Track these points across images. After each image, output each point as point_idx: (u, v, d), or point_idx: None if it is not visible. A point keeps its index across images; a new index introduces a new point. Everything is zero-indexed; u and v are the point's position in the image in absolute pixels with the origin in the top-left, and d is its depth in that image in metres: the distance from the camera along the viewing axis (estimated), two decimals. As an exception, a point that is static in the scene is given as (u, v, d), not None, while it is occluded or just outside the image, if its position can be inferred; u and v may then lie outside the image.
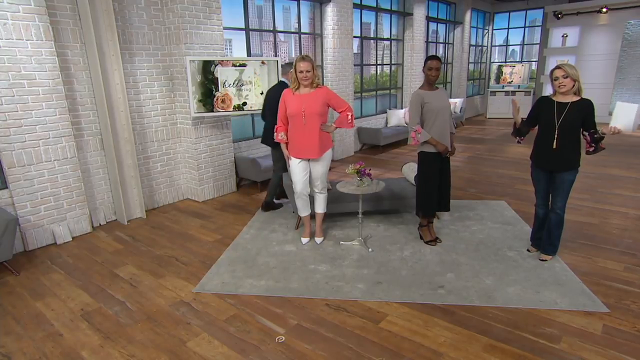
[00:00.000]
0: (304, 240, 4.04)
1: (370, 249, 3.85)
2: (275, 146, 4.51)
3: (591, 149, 3.23)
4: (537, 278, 3.27)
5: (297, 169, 3.80)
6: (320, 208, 4.00)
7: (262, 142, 4.91)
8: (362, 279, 3.35)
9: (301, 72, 3.51)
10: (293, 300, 3.09)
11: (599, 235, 4.06)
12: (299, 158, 3.76)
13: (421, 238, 3.99)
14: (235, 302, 3.08)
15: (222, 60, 5.06)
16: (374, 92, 9.35)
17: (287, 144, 3.80)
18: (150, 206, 5.23)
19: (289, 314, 2.92)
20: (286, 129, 3.76)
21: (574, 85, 3.17)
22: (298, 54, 7.31)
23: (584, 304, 2.91)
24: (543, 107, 3.32)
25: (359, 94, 8.75)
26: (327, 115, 3.74)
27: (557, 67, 3.18)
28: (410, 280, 3.30)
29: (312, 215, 4.10)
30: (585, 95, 3.24)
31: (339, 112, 3.74)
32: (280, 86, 4.55)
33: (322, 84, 7.11)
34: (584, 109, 3.16)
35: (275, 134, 3.82)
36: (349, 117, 3.70)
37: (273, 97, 4.44)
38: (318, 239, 4.04)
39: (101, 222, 4.75)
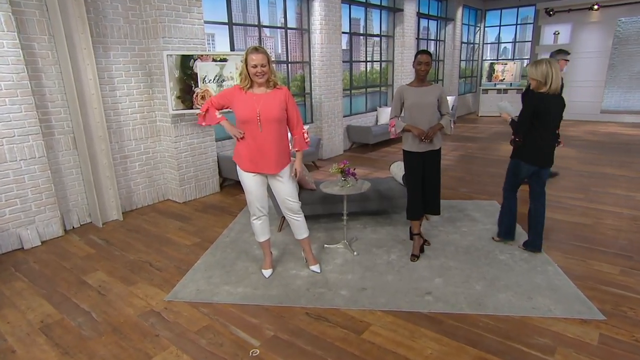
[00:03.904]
0: (266, 272, 3.34)
1: (355, 252, 3.65)
2: None
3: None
4: (529, 283, 3.10)
5: (251, 184, 3.05)
6: (302, 234, 3.30)
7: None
8: (346, 285, 3.16)
9: (254, 66, 2.78)
10: (271, 309, 2.89)
11: (593, 237, 3.91)
12: (253, 172, 3.06)
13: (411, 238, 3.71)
14: (209, 311, 2.88)
15: (202, 55, 4.84)
16: (364, 90, 9.17)
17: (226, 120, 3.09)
18: (128, 207, 5.00)
19: (265, 324, 2.72)
20: (215, 108, 3.07)
21: (538, 84, 3.20)
22: (284, 50, 7.18)
23: (579, 311, 2.74)
24: None
25: (349, 92, 8.56)
26: (285, 125, 3.04)
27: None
28: (397, 286, 3.12)
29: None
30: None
31: (293, 132, 3.08)
32: None
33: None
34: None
35: (202, 115, 3.12)
36: (305, 136, 3.11)
37: None
38: (315, 267, 3.38)
39: (74, 225, 4.51)
